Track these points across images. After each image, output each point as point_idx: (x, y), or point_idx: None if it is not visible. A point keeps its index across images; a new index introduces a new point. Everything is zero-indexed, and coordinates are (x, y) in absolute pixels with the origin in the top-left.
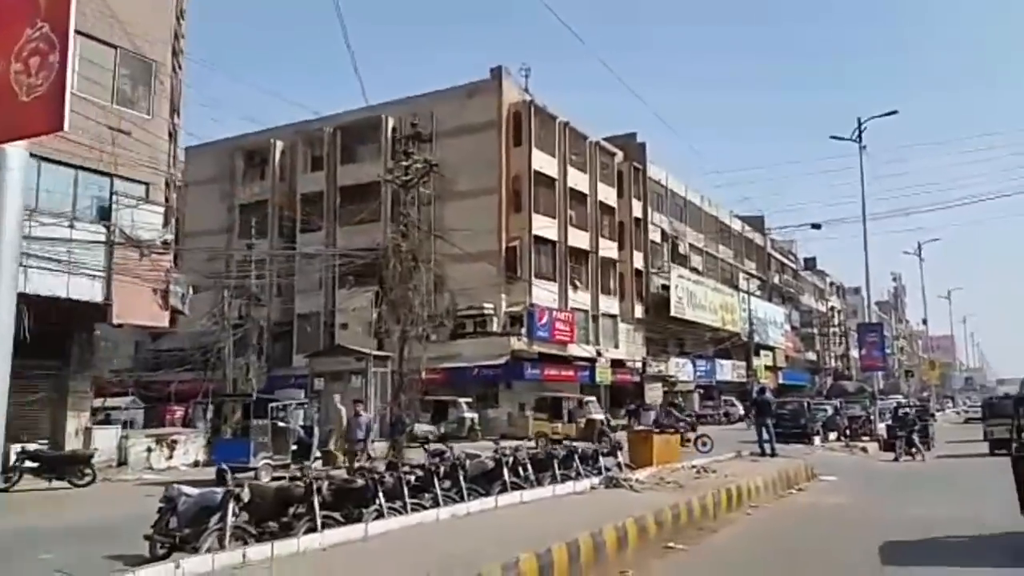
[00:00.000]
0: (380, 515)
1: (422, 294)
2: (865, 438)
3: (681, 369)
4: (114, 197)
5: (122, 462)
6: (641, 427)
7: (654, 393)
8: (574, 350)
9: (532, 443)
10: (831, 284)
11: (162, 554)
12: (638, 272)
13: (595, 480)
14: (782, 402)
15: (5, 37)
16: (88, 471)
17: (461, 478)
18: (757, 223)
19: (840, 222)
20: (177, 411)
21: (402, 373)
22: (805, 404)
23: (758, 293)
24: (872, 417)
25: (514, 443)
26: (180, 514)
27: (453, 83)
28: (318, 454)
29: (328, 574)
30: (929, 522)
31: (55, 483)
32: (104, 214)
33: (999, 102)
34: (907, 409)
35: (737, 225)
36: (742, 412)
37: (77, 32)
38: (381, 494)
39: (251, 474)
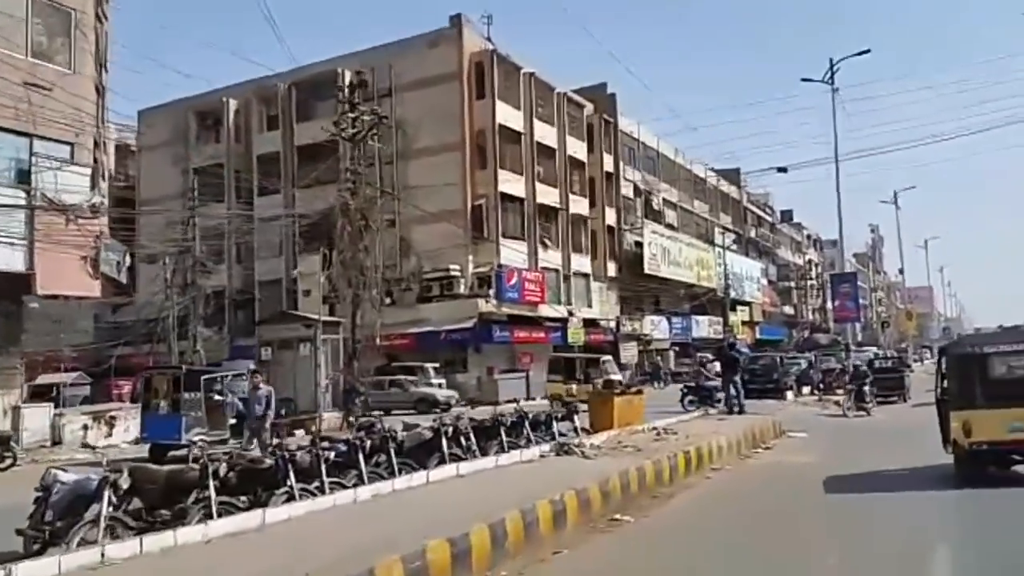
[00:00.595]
0: (291, 498)
1: (375, 255)
2: (839, 392)
3: (656, 327)
4: (33, 158)
5: (56, 441)
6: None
7: (629, 352)
8: (545, 311)
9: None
10: (808, 237)
11: (35, 550)
12: (611, 229)
13: (545, 447)
14: (755, 357)
15: None
16: (7, 453)
17: (392, 452)
18: (733, 176)
19: (814, 164)
20: (125, 386)
21: (355, 339)
22: (778, 359)
23: (734, 248)
24: (846, 370)
25: (469, 411)
26: (53, 504)
27: (412, 33)
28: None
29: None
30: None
31: None
32: (23, 177)
33: (975, 43)
34: (858, 361)
35: (712, 179)
36: (718, 369)
37: None
38: (292, 475)
39: (184, 451)
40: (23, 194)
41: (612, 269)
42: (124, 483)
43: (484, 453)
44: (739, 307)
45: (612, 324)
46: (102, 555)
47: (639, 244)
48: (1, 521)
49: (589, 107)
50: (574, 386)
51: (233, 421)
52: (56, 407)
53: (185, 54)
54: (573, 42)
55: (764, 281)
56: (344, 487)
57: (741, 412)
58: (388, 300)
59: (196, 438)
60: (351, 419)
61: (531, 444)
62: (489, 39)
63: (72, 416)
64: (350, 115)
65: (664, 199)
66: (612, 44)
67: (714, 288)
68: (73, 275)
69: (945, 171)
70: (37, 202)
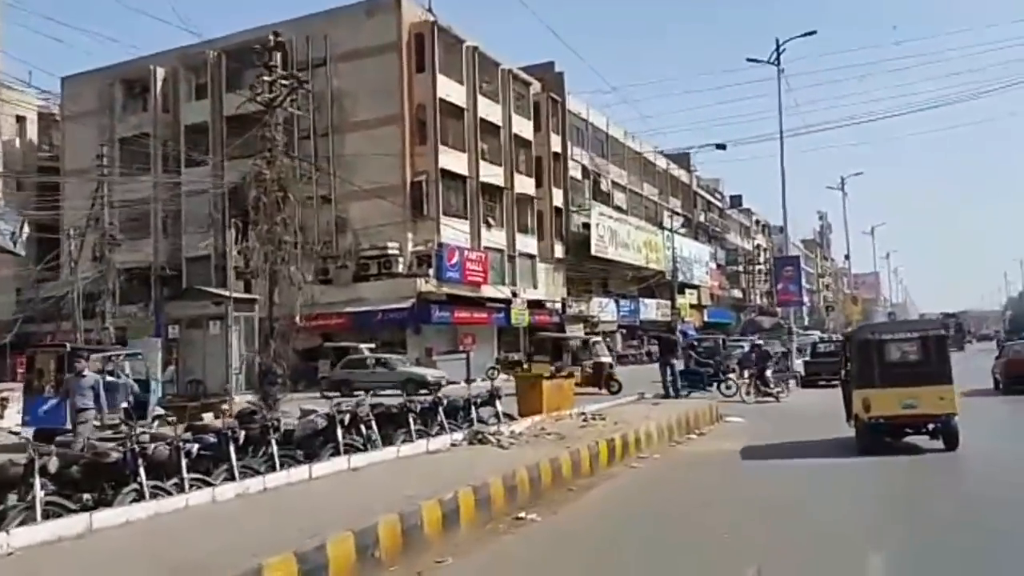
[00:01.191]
0: (140, 496)
1: (295, 229)
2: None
3: (604, 309)
4: None
5: None
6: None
7: (575, 334)
8: (488, 291)
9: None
10: (757, 222)
11: None
12: (558, 210)
13: (458, 436)
14: (697, 339)
15: None
16: None
17: (273, 443)
18: (683, 160)
19: (755, 140)
20: None
21: (272, 318)
22: (720, 342)
23: (683, 231)
24: (789, 354)
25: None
26: None
27: (349, 1)
28: (159, 411)
29: None
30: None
31: None
32: None
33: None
34: (760, 342)
35: (662, 163)
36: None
37: None
38: (143, 470)
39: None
40: None
41: (559, 250)
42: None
43: (390, 442)
44: (688, 290)
45: (558, 306)
46: None
47: (587, 226)
48: None
49: (536, 85)
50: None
51: (126, 405)
52: None
53: (112, 19)
54: (522, 19)
55: (713, 265)
56: (207, 484)
57: (678, 396)
58: (309, 277)
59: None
60: (269, 403)
61: (444, 432)
62: (430, 10)
63: None
64: (266, 79)
65: (613, 181)
66: (557, 22)
67: (663, 271)
68: None
69: (894, 158)
70: None
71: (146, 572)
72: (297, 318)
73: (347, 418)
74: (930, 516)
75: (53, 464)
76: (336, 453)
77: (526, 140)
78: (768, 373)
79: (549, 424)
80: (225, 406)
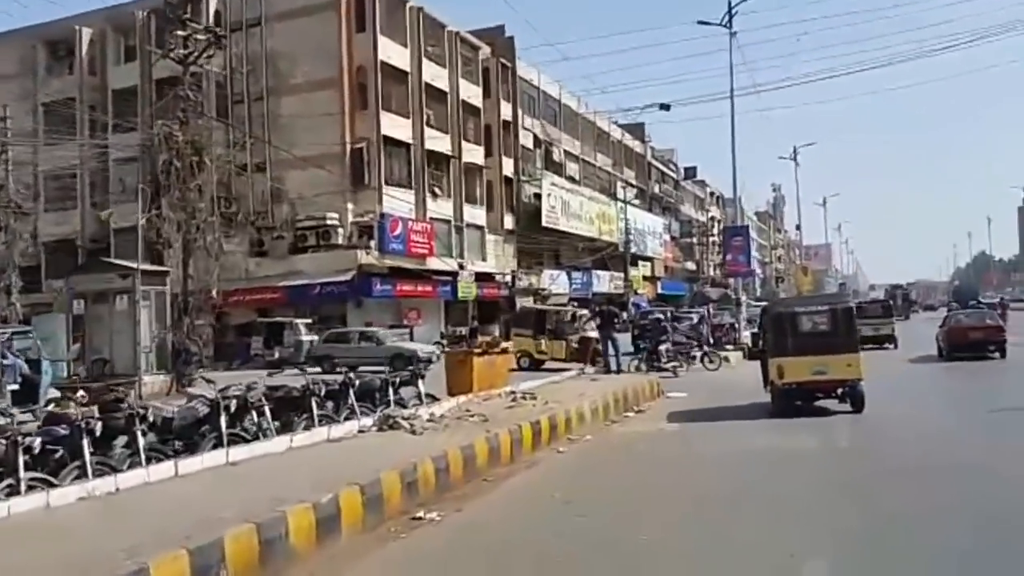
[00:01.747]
0: None
1: (210, 196)
2: (729, 347)
3: (555, 281)
4: None
5: None
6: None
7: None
8: (434, 263)
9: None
10: (711, 194)
11: None
12: (508, 180)
13: (368, 421)
14: (645, 312)
15: None
16: None
17: (139, 435)
18: (637, 131)
19: (699, 101)
20: None
21: (187, 292)
22: (668, 313)
23: (637, 203)
24: (737, 325)
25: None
26: None
27: None
28: (54, 393)
29: None
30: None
31: None
32: None
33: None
34: (659, 315)
35: (616, 133)
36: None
37: None
38: None
39: None
40: None
41: (509, 221)
42: None
43: (289, 429)
44: (641, 262)
45: (508, 278)
46: None
47: (538, 196)
48: None
49: (486, 50)
50: (543, 342)
51: (15, 387)
52: None
53: None
54: None
55: (667, 237)
56: (50, 484)
57: (618, 372)
58: (228, 247)
59: None
60: (184, 383)
61: (355, 416)
62: None
63: None
64: (180, 33)
65: (566, 151)
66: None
67: (616, 243)
68: None
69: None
70: None
71: None
72: (214, 292)
73: (233, 404)
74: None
75: None
76: (219, 444)
77: (475, 107)
78: (662, 348)
79: (475, 405)
80: (132, 388)
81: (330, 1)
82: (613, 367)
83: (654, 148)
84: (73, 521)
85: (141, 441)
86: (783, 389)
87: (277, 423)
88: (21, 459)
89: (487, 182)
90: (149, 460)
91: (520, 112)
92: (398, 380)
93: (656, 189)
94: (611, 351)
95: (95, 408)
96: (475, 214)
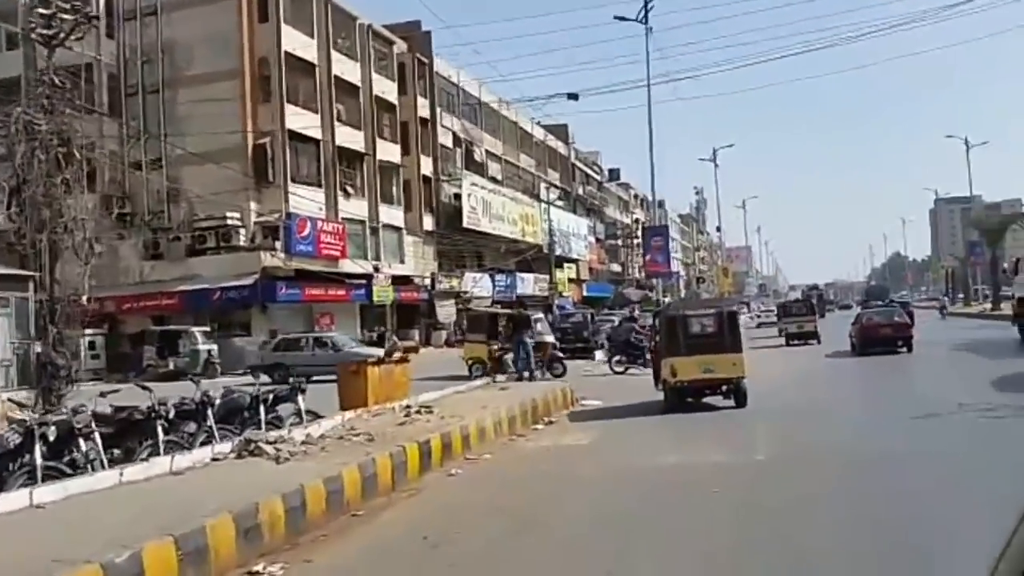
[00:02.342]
0: None
1: (81, 193)
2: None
3: (478, 284)
4: None
5: None
6: None
7: (446, 311)
8: (348, 266)
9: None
10: (635, 196)
11: None
12: (427, 179)
13: (227, 447)
14: (566, 315)
15: None
16: None
17: None
18: (561, 132)
19: (610, 90)
20: None
21: (53, 299)
22: (588, 316)
23: (561, 204)
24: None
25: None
26: None
27: None
28: None
29: None
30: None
31: None
32: None
33: None
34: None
35: (539, 133)
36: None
37: None
38: None
39: None
40: None
41: (428, 222)
42: None
43: (128, 459)
44: (566, 264)
45: (428, 281)
46: None
47: (458, 196)
48: None
49: (401, 45)
50: (496, 346)
51: None
52: None
53: None
54: None
55: (592, 239)
56: None
57: (531, 379)
58: (99, 248)
59: None
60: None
61: (214, 440)
62: None
63: None
64: (42, 11)
65: (487, 151)
66: None
67: (540, 244)
68: None
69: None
70: None
71: None
72: (84, 298)
73: (52, 432)
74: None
75: None
76: (31, 480)
77: (390, 103)
78: (507, 357)
79: (362, 422)
80: None
81: None
82: (525, 374)
83: (578, 150)
84: None
85: None
86: (676, 387)
87: (119, 451)
88: None
89: (404, 181)
90: None
91: (439, 110)
92: (271, 396)
93: (580, 191)
94: (523, 355)
95: None
96: (392, 214)
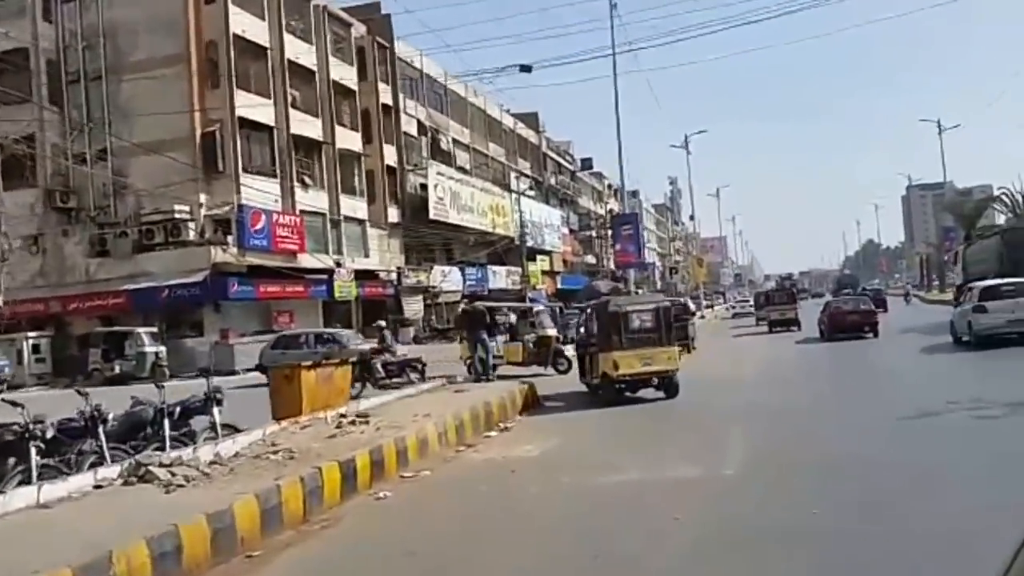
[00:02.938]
0: None
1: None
2: None
3: (447, 278)
4: None
5: None
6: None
7: (413, 307)
8: (307, 260)
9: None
10: (609, 186)
11: None
12: (391, 169)
13: (113, 471)
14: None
15: None
16: None
17: None
18: (531, 120)
19: (571, 61)
20: None
21: None
22: (557, 310)
23: (532, 194)
24: None
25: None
26: None
27: None
28: None
29: None
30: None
31: None
32: None
33: None
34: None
35: (508, 121)
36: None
37: None
38: None
39: None
40: None
41: (394, 214)
42: None
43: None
44: (539, 256)
45: (394, 276)
46: None
47: (424, 187)
48: None
49: (359, 28)
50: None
51: None
52: None
53: None
54: None
55: (565, 230)
56: None
57: (489, 379)
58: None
59: None
60: None
61: (105, 463)
62: None
63: None
64: None
65: (454, 139)
66: None
67: (511, 236)
68: None
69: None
70: None
71: None
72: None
73: None
74: None
75: None
76: None
77: (349, 89)
78: (376, 363)
79: (287, 435)
80: None
81: None
82: (483, 374)
83: (549, 139)
84: None
85: None
86: (617, 380)
87: None
88: None
89: (367, 171)
90: None
91: (402, 96)
92: (178, 410)
93: (552, 180)
94: (480, 354)
95: None
96: (354, 206)
